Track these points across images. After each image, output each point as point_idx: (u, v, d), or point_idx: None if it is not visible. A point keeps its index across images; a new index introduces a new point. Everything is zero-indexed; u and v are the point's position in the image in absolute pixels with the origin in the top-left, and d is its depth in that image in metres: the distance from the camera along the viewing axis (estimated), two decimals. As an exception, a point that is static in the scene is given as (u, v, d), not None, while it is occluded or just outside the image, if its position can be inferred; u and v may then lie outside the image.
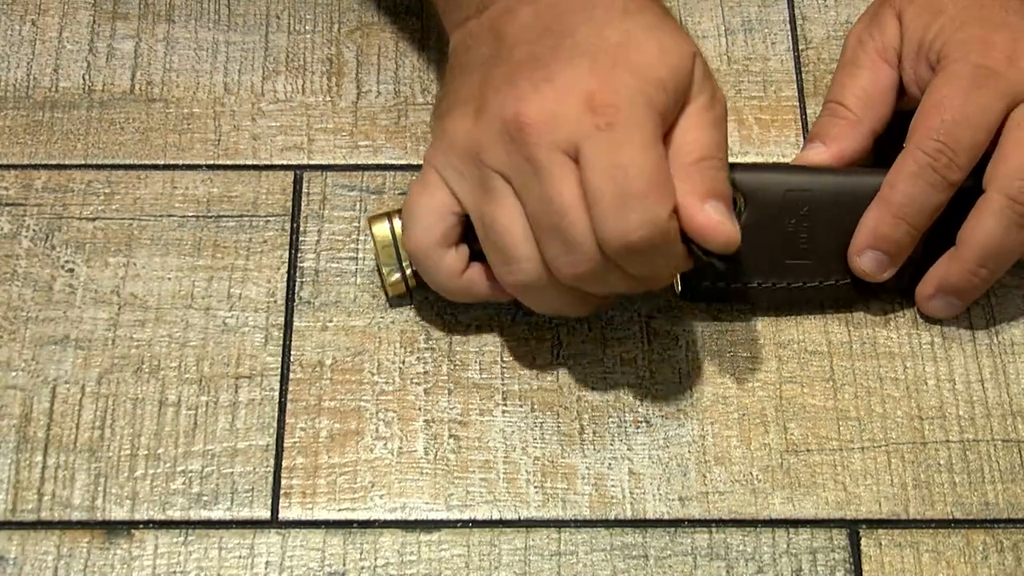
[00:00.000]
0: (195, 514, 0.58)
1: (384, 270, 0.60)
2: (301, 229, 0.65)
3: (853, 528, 0.58)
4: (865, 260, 0.61)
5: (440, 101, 0.60)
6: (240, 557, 0.57)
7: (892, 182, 0.60)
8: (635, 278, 0.56)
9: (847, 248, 0.62)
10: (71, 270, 0.63)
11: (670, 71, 0.55)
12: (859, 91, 0.64)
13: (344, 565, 0.57)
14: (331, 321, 0.62)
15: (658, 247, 0.54)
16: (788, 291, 0.62)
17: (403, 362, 0.61)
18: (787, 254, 0.61)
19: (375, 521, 0.58)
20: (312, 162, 0.66)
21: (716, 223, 0.55)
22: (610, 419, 0.60)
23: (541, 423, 0.60)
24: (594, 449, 0.60)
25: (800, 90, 0.69)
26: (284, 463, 0.59)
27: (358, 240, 0.64)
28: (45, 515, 0.58)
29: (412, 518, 0.58)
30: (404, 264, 0.60)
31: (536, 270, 0.56)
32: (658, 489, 0.59)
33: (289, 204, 0.65)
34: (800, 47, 0.71)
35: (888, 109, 0.65)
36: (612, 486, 0.59)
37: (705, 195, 0.55)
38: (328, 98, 0.68)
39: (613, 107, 0.54)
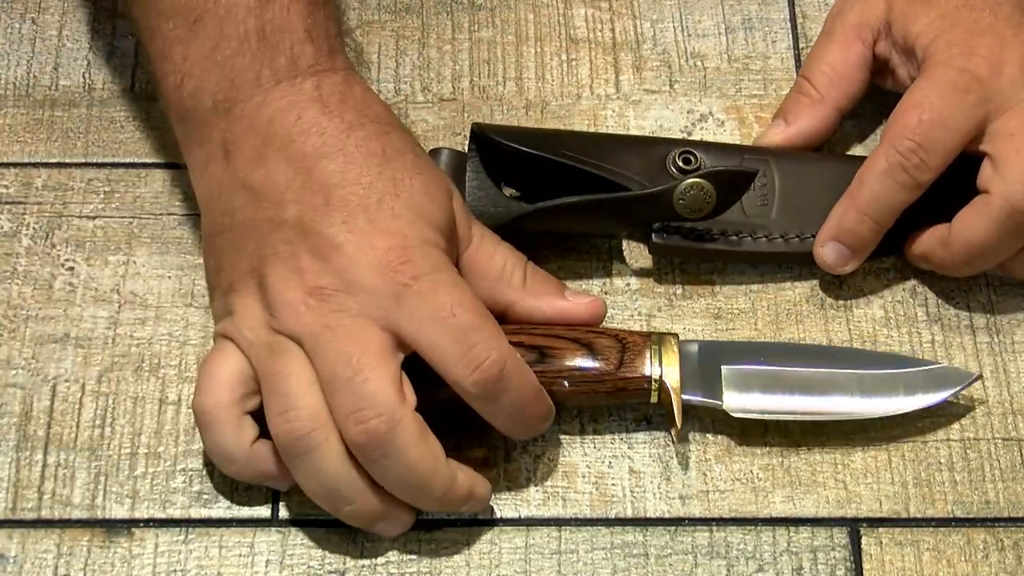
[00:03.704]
0: (195, 512, 0.58)
1: None
2: (301, 227, 0.64)
3: (854, 527, 0.58)
4: (828, 251, 0.62)
5: (215, 272, 0.57)
6: (240, 555, 0.57)
7: (862, 178, 0.61)
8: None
9: (807, 204, 0.63)
10: (71, 268, 0.63)
11: (440, 210, 0.56)
12: (827, 67, 0.65)
13: (344, 564, 0.57)
14: (331, 319, 0.62)
15: (511, 374, 0.53)
16: (753, 253, 0.63)
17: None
18: (748, 211, 0.63)
19: (375, 519, 0.58)
20: (312, 160, 0.66)
21: (586, 301, 0.59)
22: (610, 417, 0.60)
23: (541, 421, 0.60)
24: (594, 447, 0.60)
25: (800, 88, 0.69)
26: (284, 461, 0.59)
27: (358, 238, 0.64)
28: (45, 513, 0.58)
29: (412, 516, 0.58)
30: None
31: (315, 421, 0.52)
32: (658, 487, 0.59)
33: (289, 202, 0.65)
34: (800, 45, 0.71)
35: (856, 86, 0.65)
36: (612, 484, 0.59)
37: (557, 290, 0.59)
38: (328, 96, 0.68)
39: (409, 262, 0.53)
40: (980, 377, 0.60)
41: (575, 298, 0.59)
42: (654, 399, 0.58)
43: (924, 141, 0.59)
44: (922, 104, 0.60)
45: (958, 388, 0.59)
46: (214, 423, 0.54)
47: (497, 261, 0.58)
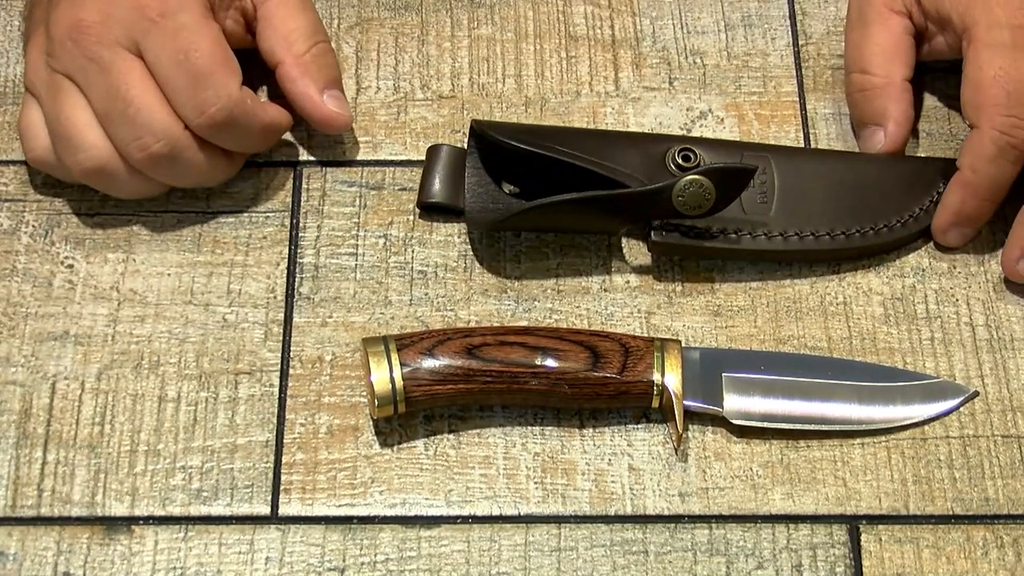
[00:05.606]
0: (195, 510, 0.58)
1: (378, 410, 0.58)
2: (301, 225, 0.65)
3: (853, 524, 0.58)
4: (952, 237, 0.64)
5: (25, 24, 0.65)
6: (240, 553, 0.57)
7: (974, 166, 0.61)
8: (214, 157, 0.61)
9: (806, 202, 0.63)
10: (71, 266, 0.63)
11: None
12: (877, 49, 0.65)
13: (344, 561, 0.57)
14: (331, 317, 0.62)
15: (238, 118, 0.60)
16: (752, 251, 0.63)
17: (403, 358, 0.61)
18: (747, 209, 0.63)
19: (375, 517, 0.58)
20: (312, 158, 0.66)
21: (335, 114, 0.63)
22: (610, 414, 0.60)
23: (541, 419, 0.60)
24: (594, 445, 0.60)
25: (800, 85, 0.69)
26: (284, 459, 0.59)
27: (358, 236, 0.64)
28: (45, 511, 0.58)
29: (412, 514, 0.58)
30: (397, 400, 0.58)
31: (102, 156, 0.59)
32: (658, 485, 0.59)
33: (289, 200, 0.65)
34: (800, 42, 0.71)
35: (910, 55, 0.65)
36: (612, 482, 0.59)
37: (323, 86, 0.63)
38: (328, 94, 0.68)
39: (158, 1, 0.58)
40: (977, 394, 0.61)
41: (331, 103, 0.63)
42: (655, 404, 0.59)
43: (1020, 111, 0.60)
44: (999, 76, 0.61)
45: (955, 403, 0.60)
46: (48, 170, 0.62)
47: (290, 24, 0.63)
